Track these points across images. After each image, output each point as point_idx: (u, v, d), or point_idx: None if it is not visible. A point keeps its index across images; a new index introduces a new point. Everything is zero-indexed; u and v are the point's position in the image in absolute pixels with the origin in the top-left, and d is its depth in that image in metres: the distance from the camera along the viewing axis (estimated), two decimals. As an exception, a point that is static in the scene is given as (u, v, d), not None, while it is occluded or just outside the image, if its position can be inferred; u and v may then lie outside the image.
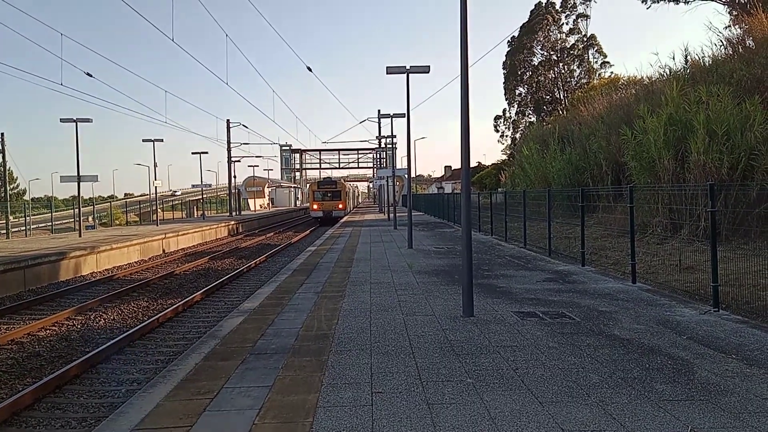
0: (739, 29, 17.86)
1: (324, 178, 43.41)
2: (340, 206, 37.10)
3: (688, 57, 17.18)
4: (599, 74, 40.94)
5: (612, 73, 38.42)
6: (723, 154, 11.19)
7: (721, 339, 5.08)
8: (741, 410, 3.48)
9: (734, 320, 5.76)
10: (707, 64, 16.05)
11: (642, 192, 12.15)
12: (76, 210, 24.09)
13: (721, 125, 11.36)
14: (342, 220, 30.79)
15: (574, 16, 42.34)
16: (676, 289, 7.37)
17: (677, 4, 28.39)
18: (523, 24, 43.22)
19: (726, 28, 20.65)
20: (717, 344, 4.92)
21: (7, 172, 33.42)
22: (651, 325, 5.64)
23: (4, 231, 25.04)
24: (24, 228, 26.99)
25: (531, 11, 43.42)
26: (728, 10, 25.58)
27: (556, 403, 3.64)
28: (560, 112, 37.95)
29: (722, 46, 16.76)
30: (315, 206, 37.34)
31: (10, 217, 26.21)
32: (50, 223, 29.86)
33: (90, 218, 35.87)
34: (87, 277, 14.30)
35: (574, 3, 41.76)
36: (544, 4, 42.41)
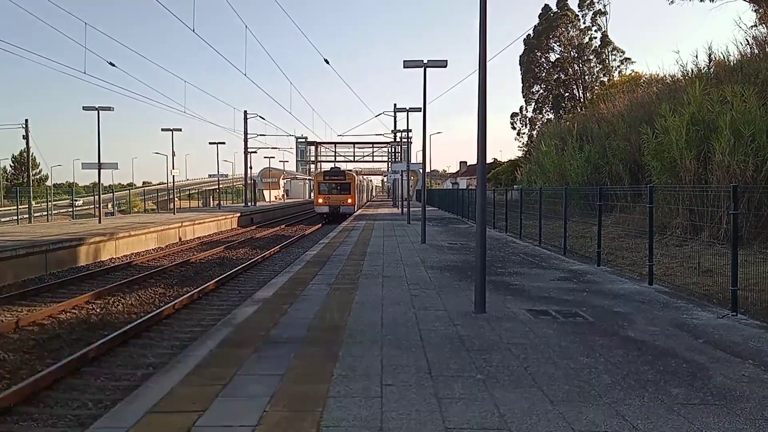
0: (765, 28, 17.33)
1: (331, 168, 36.10)
2: (349, 201, 31.99)
3: (712, 56, 16.75)
4: (619, 71, 40.17)
5: (633, 71, 37.67)
6: (749, 155, 10.90)
7: (738, 344, 4.98)
8: (757, 416, 3.41)
9: (753, 325, 5.64)
10: (732, 63, 15.62)
11: (662, 192, 11.92)
12: (96, 197, 24.56)
13: (747, 126, 11.07)
14: (354, 215, 30.26)
15: (591, 13, 41.53)
16: (693, 292, 7.23)
17: (702, 1, 27.63)
18: (538, 21, 42.53)
19: (752, 26, 20.07)
20: (734, 349, 4.82)
21: (31, 158, 34.23)
22: (667, 327, 5.55)
23: (27, 215, 25.68)
24: (46, 213, 27.67)
25: (542, 8, 42.73)
26: (754, 8, 24.79)
27: (567, 403, 3.62)
28: (579, 110, 37.34)
29: (748, 45, 16.31)
30: (320, 200, 31.95)
31: (33, 202, 26.84)
32: (71, 209, 30.56)
33: (109, 205, 36.60)
34: (106, 263, 14.60)
35: (591, 0, 40.94)
36: (555, 3, 41.67)
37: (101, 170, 21.65)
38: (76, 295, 9.97)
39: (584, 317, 5.98)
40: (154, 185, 70.89)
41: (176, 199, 35.30)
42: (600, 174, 17.93)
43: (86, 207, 37.84)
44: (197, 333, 7.36)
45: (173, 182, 32.05)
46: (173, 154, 30.52)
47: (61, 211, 34.84)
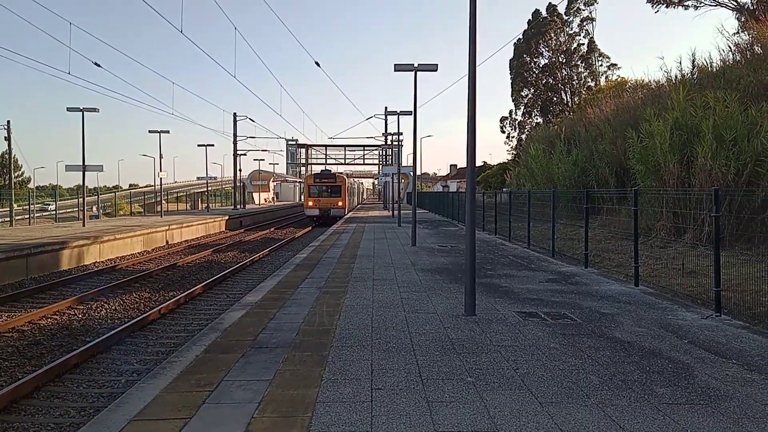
0: (747, 35, 17.77)
1: (322, 171, 35.96)
2: (340, 203, 32.01)
3: (696, 62, 17.10)
4: (606, 76, 40.82)
5: (619, 76, 38.29)
6: (730, 159, 11.13)
7: (722, 344, 5.06)
8: (741, 415, 3.47)
9: (736, 325, 5.74)
10: (715, 69, 15.96)
11: (647, 195, 12.10)
12: (81, 199, 24.19)
13: (729, 131, 11.30)
14: (345, 217, 30.19)
15: (578, 19, 42.16)
16: (678, 293, 7.34)
17: (686, 9, 28.29)
18: (528, 27, 43.05)
19: (735, 34, 20.56)
20: (718, 349, 4.90)
21: (12, 159, 33.58)
22: (652, 328, 5.62)
23: (8, 219, 25.17)
24: (28, 216, 27.14)
25: (532, 13, 43.33)
26: (737, 15, 25.44)
27: (556, 404, 3.64)
28: (567, 114, 37.78)
29: (730, 52, 16.68)
30: (310, 203, 32.03)
31: (14, 205, 26.31)
32: (54, 212, 30.03)
33: (94, 208, 36.06)
34: (90, 267, 14.35)
35: (578, 7, 41.61)
36: (545, 9, 42.31)
37: (86, 172, 21.33)
38: (58, 301, 9.78)
39: (572, 319, 6.03)
40: (141, 188, 70.06)
41: (164, 201, 34.88)
42: (587, 177, 18.15)
43: (70, 210, 37.19)
44: (183, 338, 7.27)
45: (161, 185, 31.67)
46: (161, 156, 30.22)
47: (44, 214, 34.25)
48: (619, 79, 35.47)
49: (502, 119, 46.14)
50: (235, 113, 38.16)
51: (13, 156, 32.26)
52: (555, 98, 43.21)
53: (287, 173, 73.07)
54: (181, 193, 60.15)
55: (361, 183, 79.89)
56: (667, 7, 28.80)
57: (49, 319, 8.58)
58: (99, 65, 18.35)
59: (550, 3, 42.32)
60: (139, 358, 6.66)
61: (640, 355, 4.73)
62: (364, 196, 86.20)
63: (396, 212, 24.44)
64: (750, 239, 9.05)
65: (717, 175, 11.18)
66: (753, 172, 10.99)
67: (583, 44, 42.23)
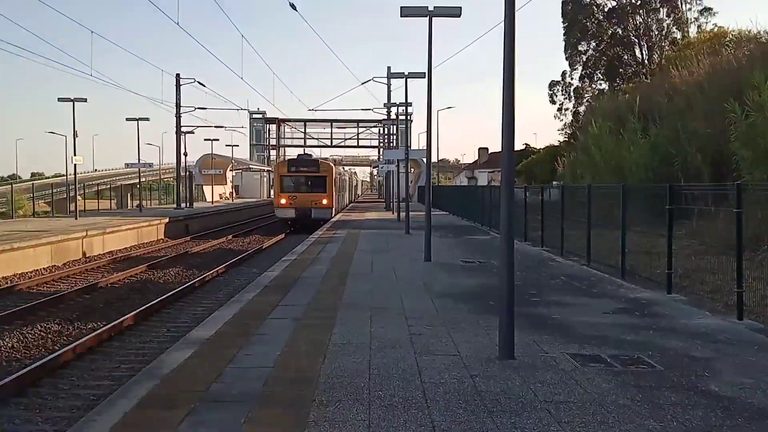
0: None
1: (299, 156, 36.92)
2: (325, 201, 32.27)
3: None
4: (699, 26, 40.89)
5: (716, 25, 38.36)
6: None
7: None
8: None
9: None
10: None
11: (755, 192, 12.07)
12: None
13: None
14: (332, 221, 30.25)
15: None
16: (799, 331, 7.33)
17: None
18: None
19: None
20: None
21: None
22: (764, 379, 5.62)
23: None
24: None
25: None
26: None
27: (628, 485, 3.63)
28: (643, 78, 37.85)
29: None
30: (284, 200, 32.16)
31: None
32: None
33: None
34: (-23, 288, 14.42)
35: None
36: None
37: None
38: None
39: (650, 365, 6.05)
40: (48, 178, 70.38)
41: (80, 197, 35.05)
42: (671, 167, 18.15)
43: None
44: (107, 388, 7.30)
45: (75, 174, 31.81)
46: (75, 135, 30.31)
47: None
48: (716, 30, 35.54)
49: (552, 84, 46.27)
50: (178, 74, 38.44)
51: None
52: (626, 56, 43.29)
53: (251, 159, 73.42)
54: (104, 186, 60.52)
55: (355, 173, 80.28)
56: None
57: None
58: (-8, 7, 18.43)
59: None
60: (46, 416, 6.68)
61: (746, 416, 4.72)
62: (359, 191, 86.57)
63: (402, 214, 24.53)
64: None
65: None
66: None
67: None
